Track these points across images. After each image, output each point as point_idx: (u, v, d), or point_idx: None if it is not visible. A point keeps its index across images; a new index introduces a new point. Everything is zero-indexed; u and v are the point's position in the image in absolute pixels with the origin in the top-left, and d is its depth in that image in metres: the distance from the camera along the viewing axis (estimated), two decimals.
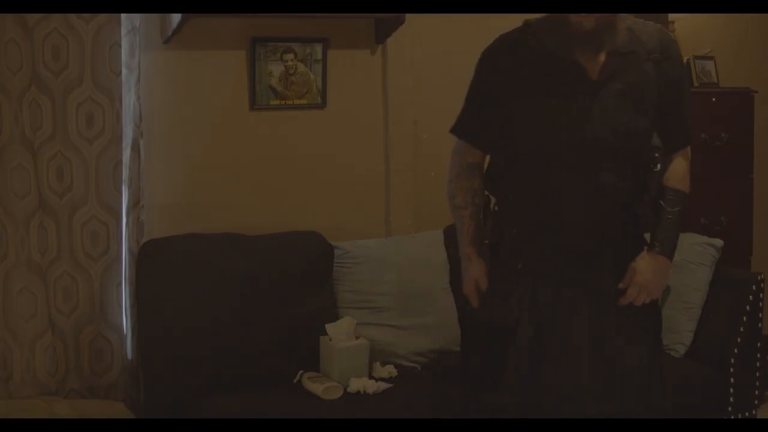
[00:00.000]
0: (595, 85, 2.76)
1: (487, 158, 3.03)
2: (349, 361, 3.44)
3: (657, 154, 2.86)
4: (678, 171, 2.91)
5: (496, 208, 2.96)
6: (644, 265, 2.83)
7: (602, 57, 2.76)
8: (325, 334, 3.54)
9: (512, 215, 2.88)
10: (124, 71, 3.52)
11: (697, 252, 3.94)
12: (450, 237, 3.69)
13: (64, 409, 3.18)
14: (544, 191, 2.80)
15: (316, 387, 3.36)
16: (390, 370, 3.60)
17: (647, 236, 2.90)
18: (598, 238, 2.80)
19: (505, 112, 2.85)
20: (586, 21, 2.71)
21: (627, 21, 2.82)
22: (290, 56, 3.88)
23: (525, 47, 2.87)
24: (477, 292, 2.88)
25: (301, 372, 3.49)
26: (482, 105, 2.93)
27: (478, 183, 2.99)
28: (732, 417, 3.82)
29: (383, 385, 3.46)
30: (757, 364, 3.88)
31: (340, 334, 3.51)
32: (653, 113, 2.81)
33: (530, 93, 2.80)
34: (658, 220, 2.88)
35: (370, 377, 3.53)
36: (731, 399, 3.81)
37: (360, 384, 3.42)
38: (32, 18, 3.36)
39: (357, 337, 3.54)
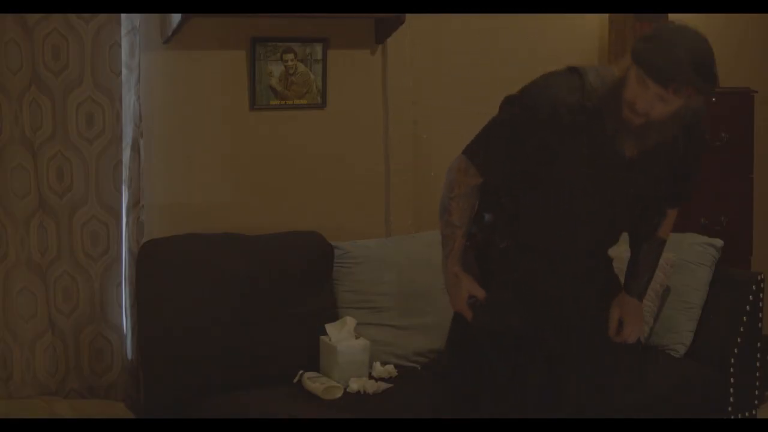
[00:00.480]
0: (628, 163, 2.78)
1: None
2: (349, 361, 3.44)
3: (659, 220, 3.01)
4: (668, 223, 3.04)
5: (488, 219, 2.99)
6: (624, 311, 2.96)
7: (641, 147, 2.75)
8: (326, 333, 3.54)
9: (506, 232, 2.93)
10: (124, 71, 3.52)
11: (697, 252, 3.94)
12: None
13: (64, 409, 3.18)
14: (545, 232, 2.87)
15: (317, 387, 3.36)
16: (390, 370, 3.60)
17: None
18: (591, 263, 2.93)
19: (534, 157, 2.80)
20: (637, 120, 2.66)
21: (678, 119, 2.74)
22: (290, 56, 3.88)
23: (575, 101, 2.76)
24: (470, 306, 2.90)
25: (301, 372, 3.49)
26: (511, 140, 2.87)
27: (476, 204, 2.98)
28: (732, 417, 3.81)
29: (383, 385, 3.46)
30: (757, 364, 3.88)
31: (340, 334, 3.51)
32: (669, 182, 2.90)
33: (565, 151, 2.77)
34: (638, 260, 3.01)
35: (370, 377, 3.53)
36: (731, 399, 3.81)
37: (360, 384, 3.42)
38: (32, 18, 3.36)
39: (357, 337, 3.54)
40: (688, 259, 3.92)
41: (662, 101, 2.62)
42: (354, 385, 3.41)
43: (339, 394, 3.36)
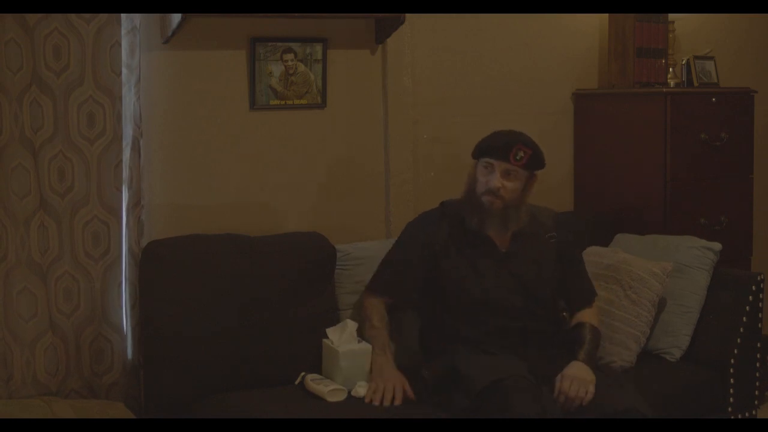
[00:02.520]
0: (504, 256, 3.43)
1: None
2: (351, 365, 3.42)
3: (565, 314, 3.55)
4: (587, 315, 3.53)
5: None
6: (572, 368, 3.29)
7: (509, 234, 3.43)
8: (326, 336, 3.53)
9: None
10: (124, 71, 3.52)
11: (695, 256, 3.93)
12: None
13: (64, 409, 3.17)
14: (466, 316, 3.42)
15: (321, 389, 3.34)
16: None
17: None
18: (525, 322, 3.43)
19: (429, 272, 3.45)
20: (496, 203, 3.35)
21: (529, 208, 3.48)
22: (290, 56, 3.88)
23: (445, 222, 3.48)
24: (399, 394, 3.29)
25: (303, 374, 3.48)
26: (406, 266, 3.50)
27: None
28: (732, 417, 3.81)
29: None
30: (757, 364, 3.88)
31: (341, 337, 3.49)
32: (554, 283, 3.48)
33: (450, 257, 3.42)
34: (582, 339, 3.44)
35: None
36: (731, 399, 3.81)
37: (365, 389, 3.38)
38: (32, 18, 3.36)
39: (359, 341, 3.52)
40: (686, 262, 3.91)
41: (507, 176, 3.35)
42: (360, 390, 3.38)
43: (343, 396, 3.35)
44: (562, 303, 3.56)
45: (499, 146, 3.37)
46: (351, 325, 3.52)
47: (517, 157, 3.35)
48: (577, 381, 3.23)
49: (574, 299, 3.57)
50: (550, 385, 3.26)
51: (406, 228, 3.59)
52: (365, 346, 3.46)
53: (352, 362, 3.41)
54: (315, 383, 3.39)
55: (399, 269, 3.53)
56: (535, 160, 3.39)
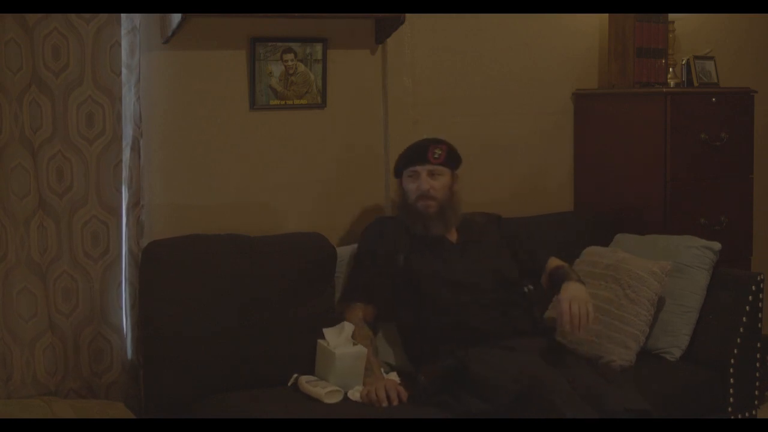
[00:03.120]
0: (461, 246, 3.65)
1: None
2: (345, 367, 3.41)
3: (525, 289, 3.64)
4: (553, 261, 3.73)
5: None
6: (568, 289, 3.46)
7: (454, 230, 3.67)
8: (323, 336, 3.52)
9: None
10: (124, 71, 3.52)
11: (695, 255, 3.93)
12: None
13: (64, 409, 3.17)
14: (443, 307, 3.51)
15: (318, 391, 3.34)
16: (393, 378, 3.57)
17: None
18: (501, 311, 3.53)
19: (397, 276, 3.56)
20: (431, 205, 3.58)
21: (467, 215, 3.74)
22: (290, 56, 3.88)
23: (399, 228, 3.66)
24: (393, 394, 3.29)
25: (295, 375, 3.47)
26: (375, 269, 3.60)
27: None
28: (732, 417, 3.81)
29: None
30: (757, 364, 3.88)
31: (338, 339, 3.48)
32: (512, 261, 3.67)
33: (415, 256, 3.57)
34: (560, 267, 3.68)
35: None
36: (731, 399, 3.81)
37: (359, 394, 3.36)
38: (32, 18, 3.36)
39: (355, 344, 3.51)
40: (686, 262, 3.91)
41: (432, 176, 3.59)
42: (357, 394, 3.36)
43: (340, 397, 3.34)
44: (524, 279, 3.68)
45: (416, 152, 3.62)
46: (348, 328, 3.51)
47: (436, 155, 3.60)
48: (576, 300, 3.38)
49: (534, 266, 3.74)
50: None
51: (364, 234, 3.71)
52: (360, 349, 3.45)
53: (347, 365, 3.40)
54: (311, 385, 3.38)
55: (368, 273, 3.62)
56: (452, 156, 3.65)
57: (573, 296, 3.40)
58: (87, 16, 3.43)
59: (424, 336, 3.50)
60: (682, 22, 4.60)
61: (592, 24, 4.60)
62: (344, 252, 3.77)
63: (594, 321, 3.40)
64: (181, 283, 3.46)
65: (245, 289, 3.52)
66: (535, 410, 3.04)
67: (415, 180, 3.62)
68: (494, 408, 3.11)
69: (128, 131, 3.56)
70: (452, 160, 3.66)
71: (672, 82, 4.50)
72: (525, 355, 3.27)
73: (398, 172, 3.70)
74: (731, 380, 3.80)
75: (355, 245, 3.80)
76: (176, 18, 3.54)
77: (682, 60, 4.60)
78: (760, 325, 3.87)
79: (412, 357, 3.57)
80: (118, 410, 3.31)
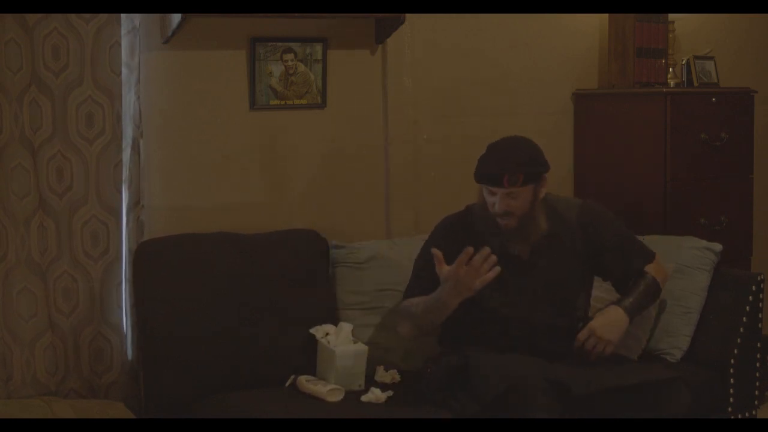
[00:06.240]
0: (526, 265, 3.34)
1: None
2: (346, 366, 3.41)
3: (580, 314, 3.42)
4: (653, 269, 3.46)
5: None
6: (602, 316, 3.32)
7: (530, 242, 3.34)
8: (323, 335, 3.52)
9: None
10: (124, 71, 3.52)
11: (696, 256, 3.92)
12: None
13: (64, 409, 3.17)
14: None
15: (320, 389, 3.34)
16: (393, 375, 3.56)
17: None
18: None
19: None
20: (510, 223, 3.28)
21: (548, 201, 3.39)
22: (290, 56, 3.88)
23: (468, 229, 3.37)
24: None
25: (293, 376, 3.47)
26: (433, 276, 3.23)
27: None
28: (732, 417, 3.81)
29: (387, 394, 3.40)
30: (757, 364, 3.88)
31: (338, 338, 3.48)
32: (580, 283, 3.43)
33: None
34: (635, 287, 3.41)
35: (374, 381, 3.50)
36: (731, 399, 3.80)
37: (372, 396, 3.35)
38: (32, 18, 3.36)
39: (355, 342, 3.51)
40: (687, 263, 3.90)
41: (510, 197, 3.24)
42: (371, 396, 3.34)
43: (341, 396, 3.34)
44: (582, 302, 3.47)
45: (490, 176, 3.26)
46: (346, 327, 3.51)
47: (511, 182, 3.23)
48: (594, 337, 3.25)
49: (626, 275, 3.47)
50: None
51: (431, 234, 3.47)
52: (361, 347, 3.46)
53: (348, 363, 3.41)
54: (311, 384, 3.38)
55: (427, 279, 3.33)
56: (533, 175, 3.28)
57: (595, 328, 3.26)
58: (87, 16, 3.43)
59: (453, 330, 3.38)
60: (682, 22, 4.60)
61: (592, 24, 4.60)
62: (344, 249, 3.77)
63: (609, 353, 3.28)
64: (175, 283, 3.46)
65: (241, 287, 3.52)
66: (511, 410, 3.02)
67: (491, 196, 3.28)
68: (481, 407, 3.09)
69: (128, 131, 3.56)
70: (534, 178, 3.28)
71: (672, 82, 4.50)
72: (522, 355, 3.26)
73: (476, 180, 3.33)
74: (731, 380, 3.79)
75: (355, 245, 3.80)
76: (176, 18, 3.54)
77: (682, 60, 4.60)
78: (760, 325, 3.87)
79: (441, 340, 3.48)
80: (118, 410, 3.32)
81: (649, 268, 3.48)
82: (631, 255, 3.50)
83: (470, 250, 3.10)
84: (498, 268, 3.11)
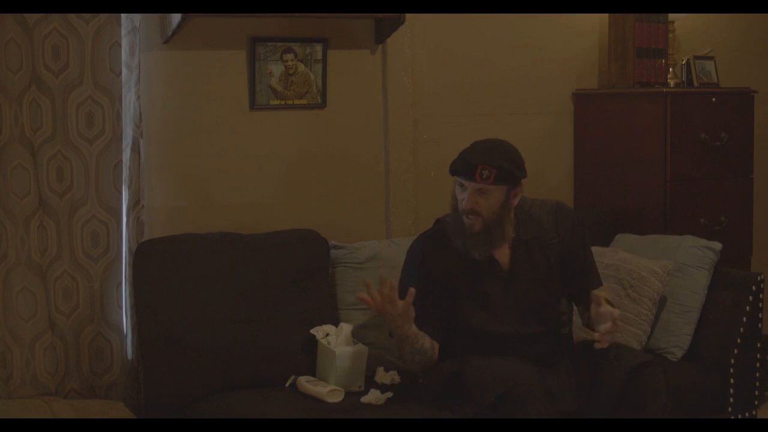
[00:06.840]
0: (507, 275, 3.30)
1: None
2: (346, 367, 3.41)
3: (564, 318, 3.40)
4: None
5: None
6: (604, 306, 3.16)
7: (507, 247, 3.30)
8: (323, 336, 3.52)
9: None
10: (124, 71, 3.52)
11: (696, 255, 3.92)
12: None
13: (64, 409, 3.17)
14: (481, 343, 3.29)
15: (319, 390, 3.34)
16: (393, 376, 3.57)
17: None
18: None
19: (437, 299, 3.28)
20: (475, 224, 3.21)
21: (523, 207, 3.34)
22: (290, 56, 3.88)
23: (442, 244, 3.31)
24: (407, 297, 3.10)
25: (293, 376, 3.47)
26: (417, 297, 3.16)
27: None
28: (732, 417, 3.81)
29: (386, 396, 3.40)
30: (757, 364, 3.88)
31: (338, 339, 3.48)
32: (560, 289, 3.36)
33: (451, 283, 3.28)
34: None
35: (374, 382, 3.51)
36: (731, 399, 3.81)
37: (372, 397, 3.35)
38: (32, 18, 3.36)
39: (355, 343, 3.50)
40: (687, 262, 3.91)
41: (479, 193, 3.18)
42: (371, 397, 3.35)
43: (341, 397, 3.34)
44: (565, 305, 3.43)
45: (463, 167, 3.20)
46: (346, 328, 3.51)
47: (483, 177, 3.16)
48: (615, 324, 3.12)
49: (582, 296, 3.41)
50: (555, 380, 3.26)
51: (408, 255, 3.40)
52: (361, 348, 3.46)
53: (348, 364, 3.41)
54: (311, 385, 3.38)
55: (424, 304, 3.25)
56: (506, 176, 3.19)
57: (618, 311, 3.14)
58: (87, 16, 3.43)
59: (444, 341, 3.35)
60: (682, 22, 4.60)
61: (592, 24, 4.60)
62: (344, 250, 3.77)
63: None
64: (175, 283, 3.46)
65: (241, 287, 3.52)
66: (509, 411, 3.02)
67: (462, 191, 3.23)
68: (480, 409, 3.08)
69: (128, 131, 3.56)
70: (507, 179, 3.20)
71: (672, 82, 4.50)
72: (515, 362, 3.24)
73: (450, 173, 3.28)
74: (731, 380, 3.79)
75: (355, 245, 3.81)
76: (176, 18, 3.55)
77: (682, 60, 4.60)
78: (760, 325, 3.87)
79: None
80: (118, 410, 3.32)
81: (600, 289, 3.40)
82: (590, 276, 3.44)
83: (368, 281, 3.09)
84: (412, 290, 3.08)
